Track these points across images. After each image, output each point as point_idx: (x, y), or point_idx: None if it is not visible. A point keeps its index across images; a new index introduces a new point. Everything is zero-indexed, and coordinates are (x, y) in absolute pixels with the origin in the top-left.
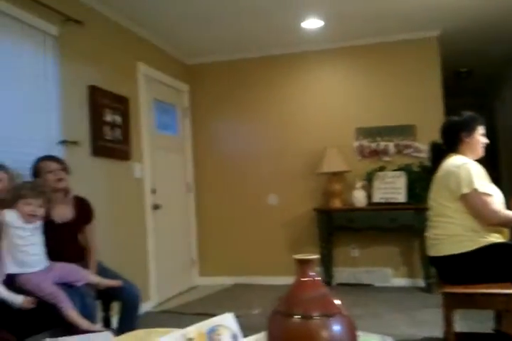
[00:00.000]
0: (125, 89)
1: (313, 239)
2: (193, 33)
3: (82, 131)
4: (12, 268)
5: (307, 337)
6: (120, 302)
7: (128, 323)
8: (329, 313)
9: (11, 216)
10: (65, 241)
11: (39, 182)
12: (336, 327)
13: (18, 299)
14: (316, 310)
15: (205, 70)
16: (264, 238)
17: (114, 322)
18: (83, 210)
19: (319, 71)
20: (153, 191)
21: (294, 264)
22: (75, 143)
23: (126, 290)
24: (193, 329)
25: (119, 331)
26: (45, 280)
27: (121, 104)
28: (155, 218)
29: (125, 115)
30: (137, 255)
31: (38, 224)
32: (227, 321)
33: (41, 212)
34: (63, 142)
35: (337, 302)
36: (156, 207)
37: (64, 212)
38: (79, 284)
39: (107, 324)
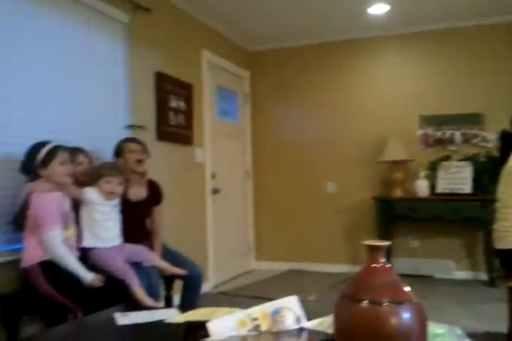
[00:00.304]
0: (189, 76)
1: (371, 228)
2: (257, 20)
3: (149, 116)
4: (89, 242)
5: (376, 322)
6: (183, 282)
7: (190, 302)
8: (399, 300)
9: (92, 193)
10: (136, 218)
11: (118, 162)
12: (406, 315)
13: (88, 276)
14: (385, 297)
15: (266, 57)
16: (321, 225)
17: (176, 301)
18: (155, 192)
19: (384, 57)
20: (213, 176)
21: (349, 252)
22: (141, 127)
23: (189, 269)
24: (258, 310)
25: (181, 309)
26: (117, 256)
27: (186, 90)
28: (214, 202)
29: (189, 101)
30: (197, 237)
31: (117, 201)
32: (291, 304)
33: (120, 189)
34: (131, 126)
35: (407, 289)
36: (215, 191)
37: (138, 192)
38: (146, 264)
39: (168, 302)
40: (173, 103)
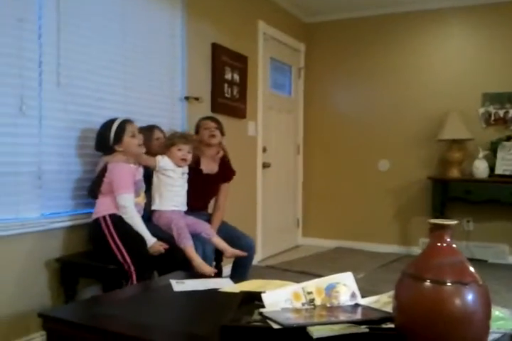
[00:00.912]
0: (244, 48)
1: (424, 208)
2: None
3: (204, 88)
4: (157, 205)
5: (438, 302)
6: None
7: (241, 273)
8: (464, 281)
9: (163, 160)
10: (203, 190)
11: (196, 138)
12: (470, 296)
13: (151, 240)
14: (449, 276)
15: (322, 29)
16: (371, 204)
17: (225, 272)
18: (226, 170)
19: (445, 31)
20: (264, 150)
21: (399, 233)
22: (197, 99)
23: (242, 241)
24: (312, 284)
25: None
26: (180, 219)
27: (241, 62)
28: (264, 176)
29: (243, 73)
30: (247, 211)
31: (186, 169)
32: (347, 279)
33: (190, 157)
34: (186, 98)
35: (473, 270)
36: (265, 165)
37: (211, 166)
38: (203, 236)
39: (218, 273)
40: (228, 75)
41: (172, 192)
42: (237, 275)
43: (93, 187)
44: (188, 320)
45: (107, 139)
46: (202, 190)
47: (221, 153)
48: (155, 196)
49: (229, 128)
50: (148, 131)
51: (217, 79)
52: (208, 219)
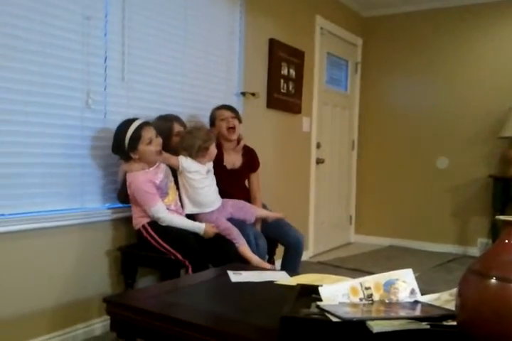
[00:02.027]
0: (301, 43)
1: (484, 208)
2: None
3: (260, 83)
4: (190, 209)
5: (504, 300)
6: (285, 246)
7: (291, 266)
8: None
9: (187, 161)
10: (233, 186)
11: (213, 131)
12: None
13: (201, 226)
14: None
15: (380, 23)
16: (427, 202)
17: (277, 266)
18: (250, 159)
19: (508, 24)
20: (318, 145)
21: (457, 232)
22: (253, 94)
23: (292, 234)
24: (371, 279)
25: None
26: (220, 218)
27: (297, 57)
28: (317, 172)
29: (299, 69)
30: (299, 206)
31: (210, 166)
32: (406, 276)
33: (213, 154)
34: (243, 93)
35: None
36: (319, 161)
37: (234, 160)
38: (251, 221)
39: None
40: (284, 70)
41: (201, 195)
42: (287, 269)
43: (120, 194)
44: (247, 310)
45: (121, 145)
46: (232, 185)
47: (242, 143)
48: (184, 199)
49: (283, 124)
50: (166, 125)
51: (273, 75)
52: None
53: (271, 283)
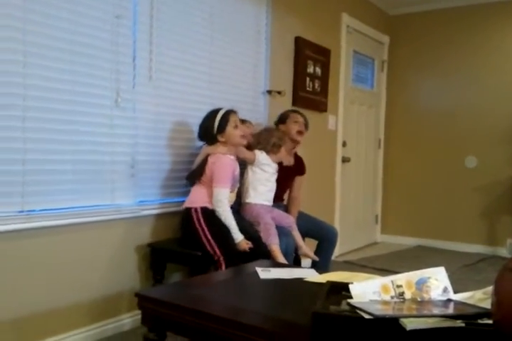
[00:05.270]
0: (327, 41)
1: None
2: None
3: (286, 81)
4: (250, 198)
5: None
6: (319, 239)
7: (325, 260)
8: None
9: (263, 155)
10: (281, 181)
11: (280, 128)
12: None
13: (240, 237)
14: None
15: (407, 21)
16: (455, 202)
17: (304, 262)
18: (300, 163)
19: None
20: (344, 144)
21: (485, 232)
22: (279, 93)
23: (325, 229)
24: (402, 277)
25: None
26: (267, 213)
27: (323, 55)
28: (343, 171)
29: (325, 67)
30: (325, 205)
31: (276, 167)
32: (438, 274)
33: (283, 154)
34: (269, 92)
35: None
36: (345, 160)
37: (288, 159)
38: (286, 228)
39: (297, 263)
40: (311, 68)
41: (266, 187)
42: (318, 265)
43: (194, 174)
44: (278, 307)
45: (210, 129)
46: (281, 182)
47: (298, 147)
48: (249, 189)
49: (309, 122)
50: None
51: (299, 73)
52: (285, 210)
53: (300, 280)
